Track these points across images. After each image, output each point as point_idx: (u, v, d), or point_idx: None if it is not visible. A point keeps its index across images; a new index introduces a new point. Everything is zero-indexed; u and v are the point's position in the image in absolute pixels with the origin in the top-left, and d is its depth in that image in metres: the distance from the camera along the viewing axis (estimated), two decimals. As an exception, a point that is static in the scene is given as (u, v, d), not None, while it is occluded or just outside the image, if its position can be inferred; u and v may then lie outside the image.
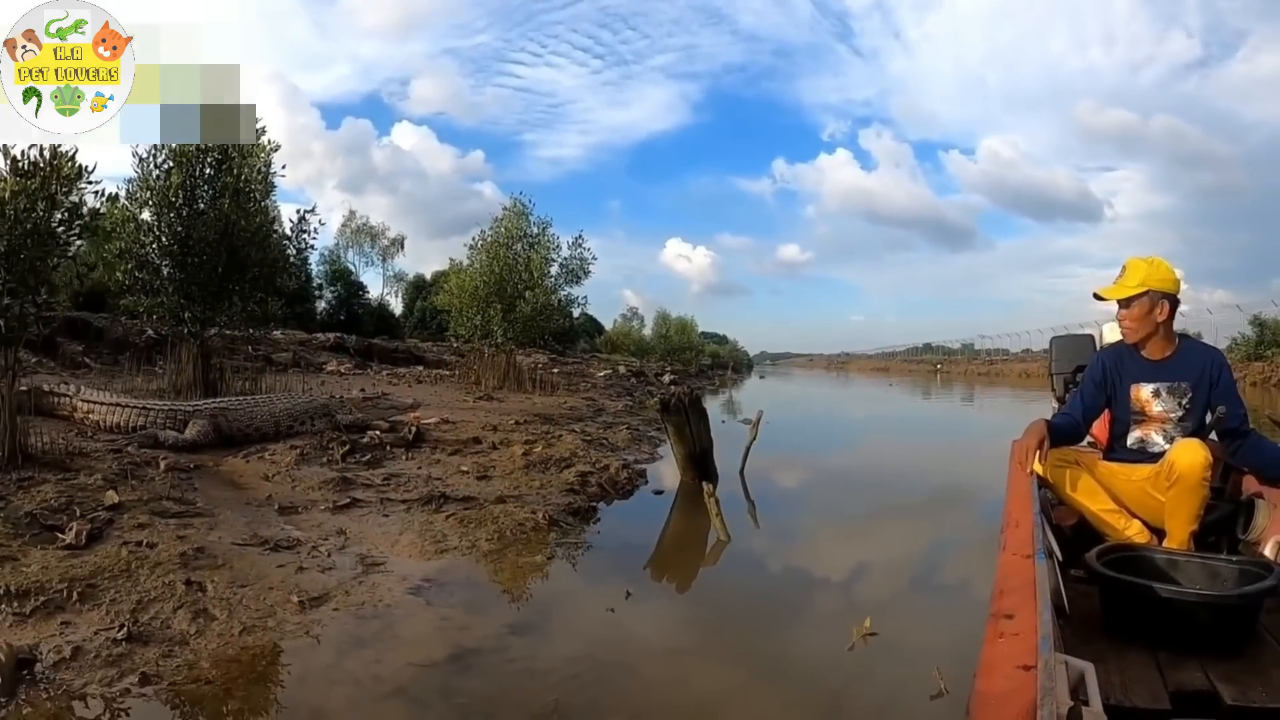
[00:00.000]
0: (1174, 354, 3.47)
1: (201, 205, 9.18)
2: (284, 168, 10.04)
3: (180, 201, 8.99)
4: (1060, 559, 3.02)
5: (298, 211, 10.34)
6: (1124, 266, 3.48)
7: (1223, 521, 3.62)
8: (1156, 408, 3.50)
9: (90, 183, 5.71)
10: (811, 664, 3.39)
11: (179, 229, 9.01)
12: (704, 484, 5.61)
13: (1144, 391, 3.50)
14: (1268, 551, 3.24)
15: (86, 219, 5.85)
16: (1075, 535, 3.47)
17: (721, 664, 3.37)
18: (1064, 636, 2.34)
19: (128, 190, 9.00)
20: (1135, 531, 3.36)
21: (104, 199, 6.44)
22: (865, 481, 8.76)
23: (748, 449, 7.97)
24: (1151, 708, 2.09)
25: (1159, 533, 3.34)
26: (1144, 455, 3.48)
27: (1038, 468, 3.33)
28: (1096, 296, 3.54)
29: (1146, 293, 3.35)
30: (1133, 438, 3.56)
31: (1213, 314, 39.55)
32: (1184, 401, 3.44)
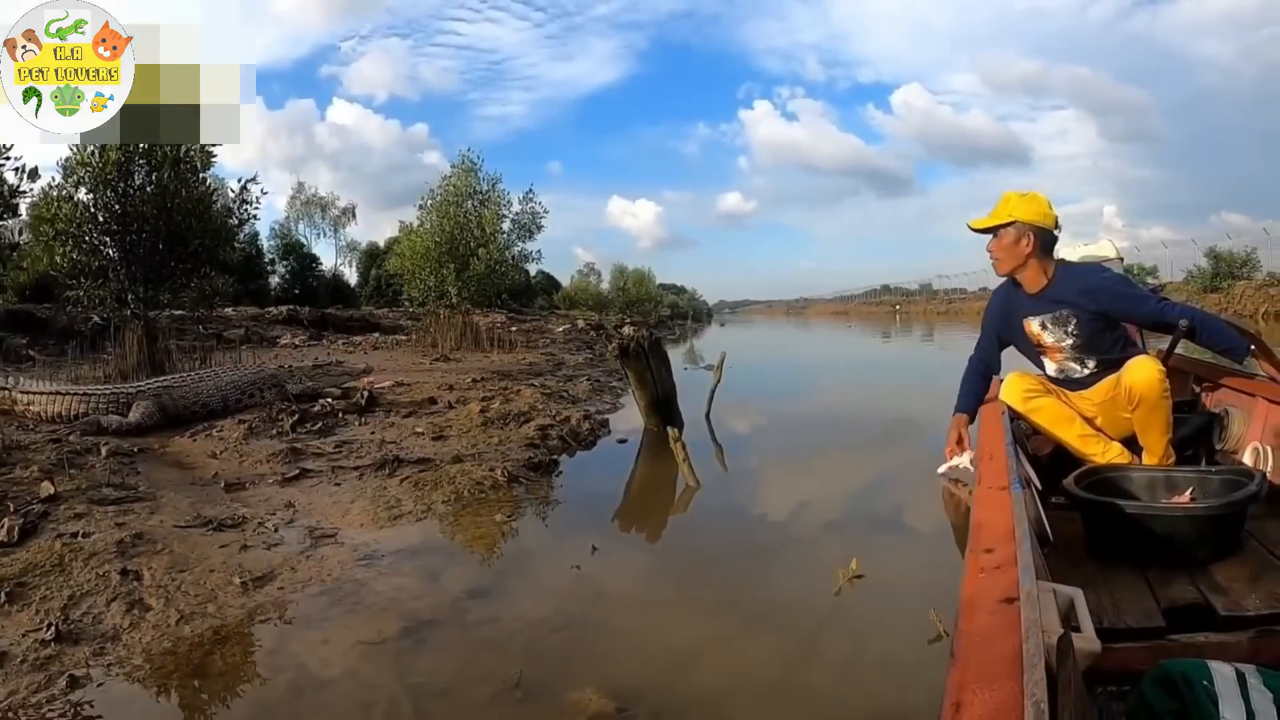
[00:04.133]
0: (1049, 284, 3.41)
1: (138, 180, 8.87)
2: (223, 135, 9.66)
3: (116, 177, 8.65)
4: (1040, 488, 2.99)
5: (239, 181, 10.11)
6: (1000, 199, 3.46)
7: (1199, 434, 3.68)
8: (1048, 339, 3.48)
9: (6, 159, 5.47)
10: (798, 610, 3.14)
11: (116, 206, 8.71)
12: (669, 429, 5.41)
13: (1033, 325, 3.49)
14: (1246, 458, 3.28)
15: (7, 197, 5.63)
16: (1053, 463, 3.43)
17: (700, 615, 3.14)
18: (1050, 565, 2.31)
19: (63, 169, 8.60)
20: (1116, 454, 3.33)
21: (22, 174, 6.17)
22: (834, 422, 8.66)
23: (712, 392, 7.90)
24: (1145, 626, 2.07)
25: (1140, 452, 3.32)
26: (1075, 381, 3.49)
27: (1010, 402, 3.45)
28: (969, 227, 3.51)
29: (1012, 223, 3.34)
30: (1051, 368, 3.56)
31: (1167, 248, 40.50)
32: (1070, 329, 3.40)
